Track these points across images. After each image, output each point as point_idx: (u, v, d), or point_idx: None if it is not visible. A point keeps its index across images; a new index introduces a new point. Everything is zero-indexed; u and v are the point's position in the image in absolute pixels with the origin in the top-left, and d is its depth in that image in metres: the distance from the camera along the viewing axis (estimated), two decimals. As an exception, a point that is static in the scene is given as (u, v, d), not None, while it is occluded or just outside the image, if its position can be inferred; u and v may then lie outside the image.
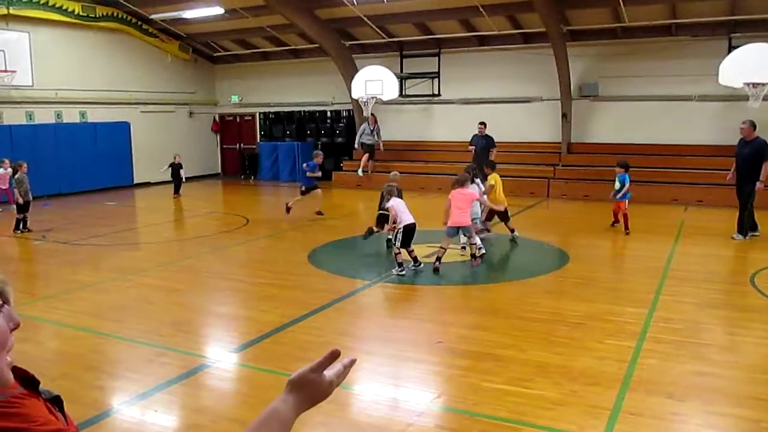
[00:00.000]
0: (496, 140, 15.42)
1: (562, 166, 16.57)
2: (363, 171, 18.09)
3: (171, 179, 17.15)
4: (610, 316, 6.62)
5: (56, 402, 1.89)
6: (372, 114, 17.90)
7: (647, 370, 5.19)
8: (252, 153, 21.91)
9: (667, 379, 5.00)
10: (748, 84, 11.77)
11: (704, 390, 4.83)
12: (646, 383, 4.92)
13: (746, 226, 10.34)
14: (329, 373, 1.46)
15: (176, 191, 16.97)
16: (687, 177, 14.85)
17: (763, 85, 11.66)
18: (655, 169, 15.32)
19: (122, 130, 18.88)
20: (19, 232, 11.69)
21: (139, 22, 19.08)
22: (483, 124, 15.42)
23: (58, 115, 17.52)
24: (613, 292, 7.60)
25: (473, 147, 15.26)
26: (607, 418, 4.35)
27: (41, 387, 1.82)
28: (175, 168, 16.98)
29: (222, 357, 5.71)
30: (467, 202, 8.60)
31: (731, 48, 13.54)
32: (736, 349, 5.73)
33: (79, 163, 16.67)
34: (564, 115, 16.60)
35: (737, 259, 9.16)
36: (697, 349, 5.68)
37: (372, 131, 18.34)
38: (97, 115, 18.35)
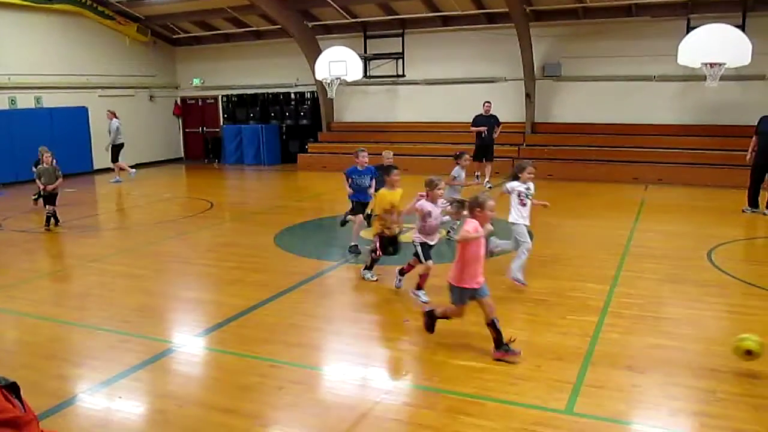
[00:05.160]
0: (466, 120, 14.93)
1: (527, 145, 16.72)
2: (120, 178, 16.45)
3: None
4: (572, 292, 6.75)
5: (13, 389, 1.85)
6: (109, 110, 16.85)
7: (609, 344, 5.31)
8: (215, 136, 21.62)
9: (628, 353, 5.13)
10: (705, 64, 11.99)
11: (663, 362, 4.96)
12: (608, 357, 5.04)
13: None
14: None
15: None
16: (647, 156, 15.14)
17: (720, 65, 11.88)
18: (616, 148, 15.60)
19: (80, 115, 18.42)
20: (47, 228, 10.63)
21: (95, 4, 18.56)
22: (489, 103, 14.50)
23: (12, 101, 16.99)
24: (575, 269, 7.72)
25: (484, 128, 14.10)
26: (570, 392, 4.45)
27: (-4, 374, 1.78)
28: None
29: (187, 341, 5.66)
30: None
31: (689, 29, 13.75)
32: (694, 323, 5.88)
33: (35, 150, 16.20)
34: (528, 95, 16.73)
35: (696, 236, 9.38)
36: (657, 323, 5.83)
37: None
38: (54, 101, 17.85)
